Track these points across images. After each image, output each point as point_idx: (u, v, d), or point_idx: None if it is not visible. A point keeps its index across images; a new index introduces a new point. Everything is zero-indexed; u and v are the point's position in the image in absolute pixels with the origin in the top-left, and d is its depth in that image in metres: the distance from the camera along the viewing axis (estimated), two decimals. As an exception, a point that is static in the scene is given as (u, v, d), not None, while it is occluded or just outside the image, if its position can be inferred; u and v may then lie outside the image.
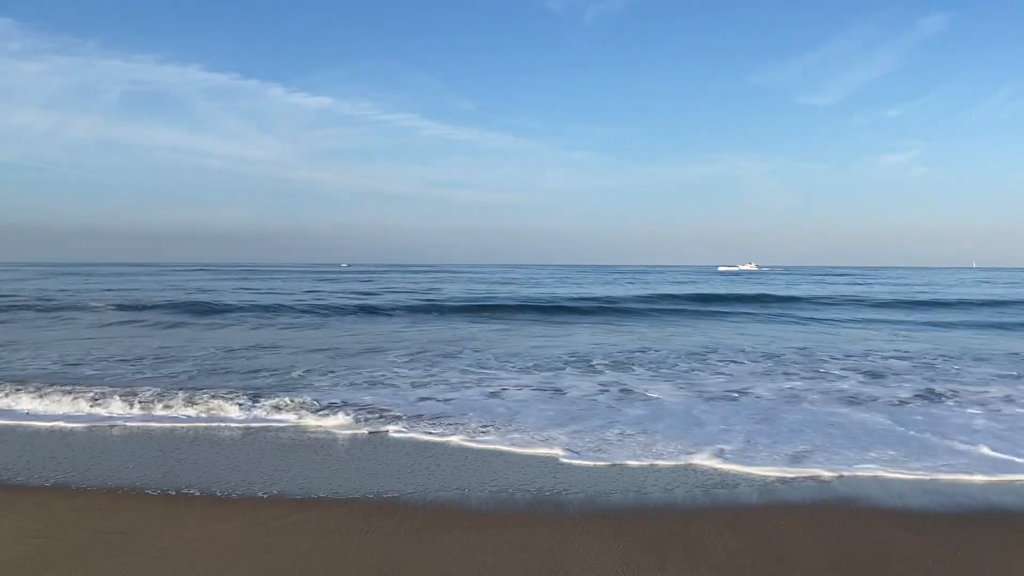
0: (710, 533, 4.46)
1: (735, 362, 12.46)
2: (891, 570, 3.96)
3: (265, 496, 5.15)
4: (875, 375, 10.99)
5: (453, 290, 38.80)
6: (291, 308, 24.75)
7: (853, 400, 8.90)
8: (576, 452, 6.30)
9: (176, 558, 4.02)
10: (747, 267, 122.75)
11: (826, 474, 5.76)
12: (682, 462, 6.06)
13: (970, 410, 8.25)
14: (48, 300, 27.56)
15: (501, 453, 6.35)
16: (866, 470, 5.84)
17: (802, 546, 4.28)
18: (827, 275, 78.86)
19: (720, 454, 6.23)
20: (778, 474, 5.75)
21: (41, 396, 8.46)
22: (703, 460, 6.10)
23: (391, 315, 23.33)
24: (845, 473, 5.77)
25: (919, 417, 7.92)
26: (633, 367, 11.72)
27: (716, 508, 4.98)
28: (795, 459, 6.16)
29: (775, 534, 4.46)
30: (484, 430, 7.10)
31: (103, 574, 3.83)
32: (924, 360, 12.80)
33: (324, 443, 6.73)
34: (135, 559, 4.01)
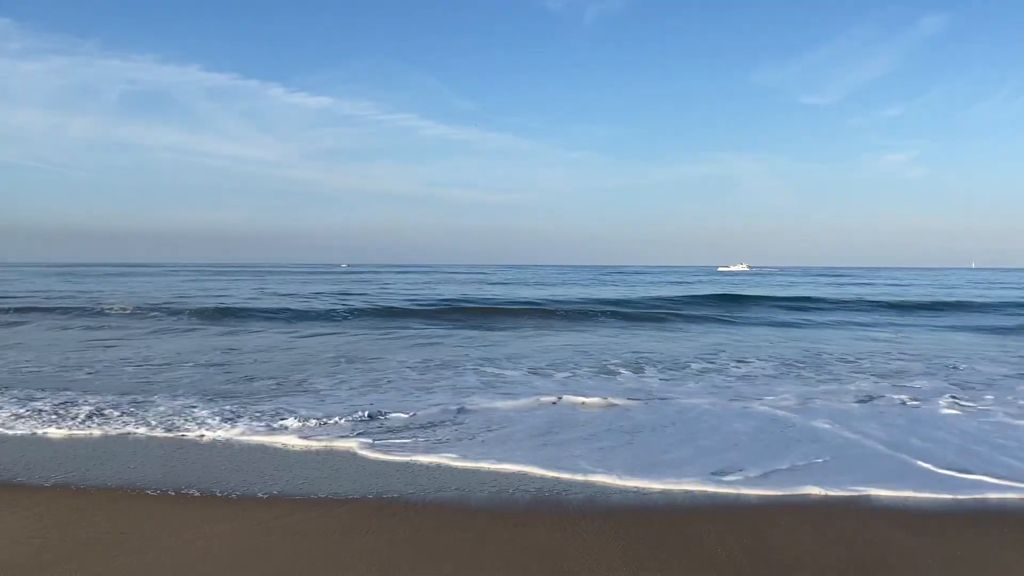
0: (710, 533, 4.45)
1: (746, 361, 12.45)
2: (891, 570, 3.95)
3: (265, 496, 5.15)
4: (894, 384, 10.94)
5: (468, 291, 37.76)
6: (304, 312, 23.95)
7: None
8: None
9: (176, 558, 4.02)
10: (738, 267, 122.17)
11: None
12: (677, 486, 6.03)
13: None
14: (62, 301, 27.32)
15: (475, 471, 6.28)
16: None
17: (802, 546, 4.28)
18: (821, 276, 78.38)
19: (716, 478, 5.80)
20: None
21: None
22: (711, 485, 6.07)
23: (404, 317, 22.74)
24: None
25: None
26: (645, 368, 11.71)
27: (716, 508, 4.98)
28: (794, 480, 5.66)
29: (775, 534, 4.46)
30: (479, 444, 6.77)
31: (102, 574, 3.83)
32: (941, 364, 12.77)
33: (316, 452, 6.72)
34: (135, 559, 4.01)
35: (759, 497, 5.21)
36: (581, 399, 8.90)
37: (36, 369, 11.01)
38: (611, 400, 8.78)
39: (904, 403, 8.76)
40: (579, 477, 5.65)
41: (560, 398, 8.94)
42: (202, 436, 6.92)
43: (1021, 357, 13.63)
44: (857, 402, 8.78)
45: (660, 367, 11.78)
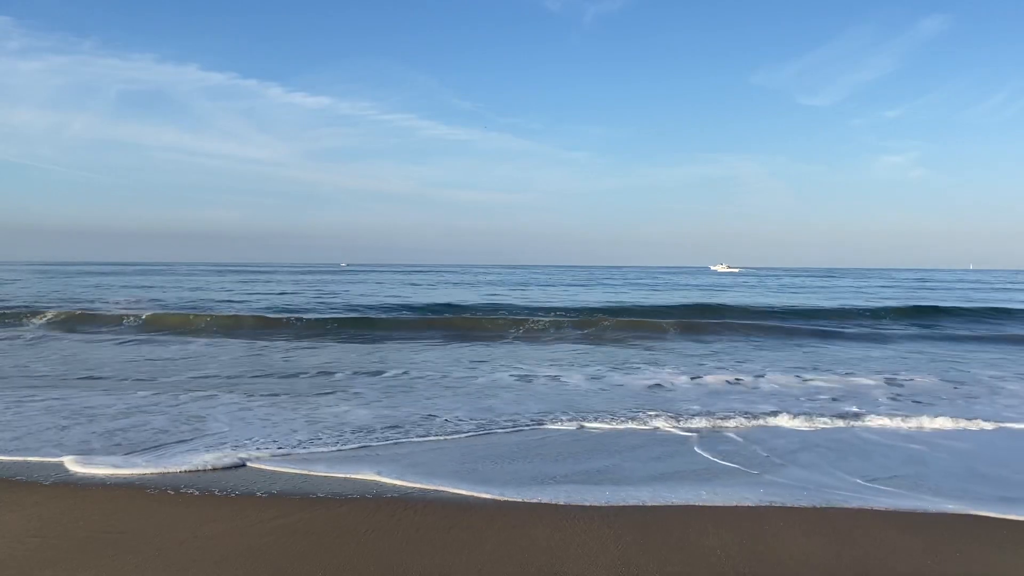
0: (710, 533, 4.46)
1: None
2: (891, 570, 3.96)
3: (264, 496, 5.15)
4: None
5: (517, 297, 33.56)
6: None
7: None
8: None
9: (175, 558, 4.02)
10: (719, 268, 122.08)
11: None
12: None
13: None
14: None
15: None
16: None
17: (801, 546, 4.28)
18: (816, 278, 78.21)
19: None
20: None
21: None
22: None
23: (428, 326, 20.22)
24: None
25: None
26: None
27: (715, 508, 4.98)
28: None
29: (774, 534, 4.46)
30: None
31: (101, 573, 3.83)
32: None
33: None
34: (133, 559, 4.00)
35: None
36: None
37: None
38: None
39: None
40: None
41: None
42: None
43: None
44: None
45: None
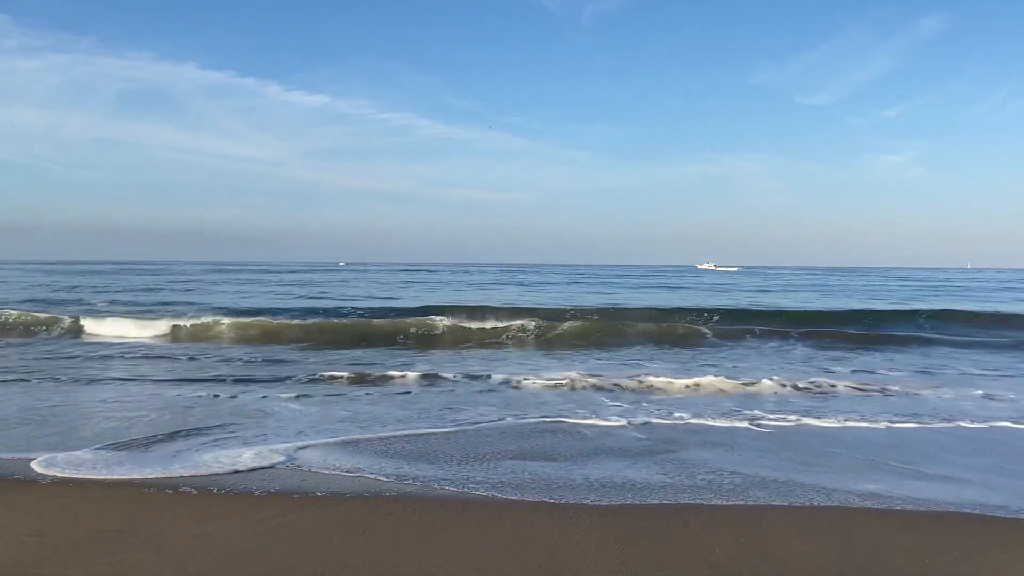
0: (708, 532, 4.45)
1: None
2: (889, 569, 3.96)
3: (263, 495, 5.14)
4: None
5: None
6: None
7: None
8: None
9: (173, 557, 4.01)
10: (706, 266, 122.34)
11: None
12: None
13: None
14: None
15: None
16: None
17: (800, 546, 4.28)
18: (813, 275, 78.34)
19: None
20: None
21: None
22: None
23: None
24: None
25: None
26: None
27: (714, 507, 4.98)
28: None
29: (773, 533, 4.46)
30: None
31: (99, 572, 3.82)
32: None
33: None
34: (132, 557, 3.99)
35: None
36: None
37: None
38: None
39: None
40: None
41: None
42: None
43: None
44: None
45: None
